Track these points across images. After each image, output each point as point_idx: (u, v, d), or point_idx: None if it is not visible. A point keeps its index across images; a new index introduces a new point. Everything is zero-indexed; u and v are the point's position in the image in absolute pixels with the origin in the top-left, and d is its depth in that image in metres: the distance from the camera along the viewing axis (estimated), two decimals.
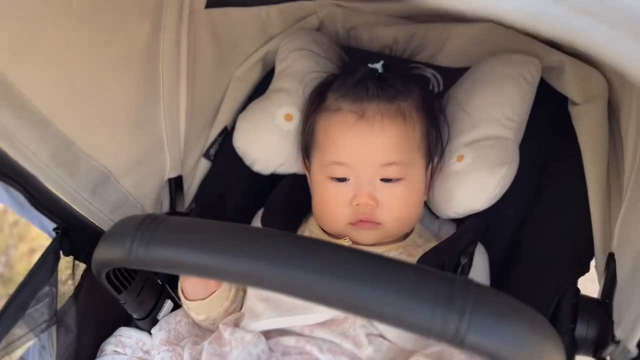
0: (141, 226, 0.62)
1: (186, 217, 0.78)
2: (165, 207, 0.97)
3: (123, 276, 0.75)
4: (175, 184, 0.96)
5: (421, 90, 0.89)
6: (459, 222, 0.92)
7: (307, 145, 0.91)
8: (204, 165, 1.03)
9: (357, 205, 0.82)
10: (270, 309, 0.77)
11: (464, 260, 0.82)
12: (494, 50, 0.96)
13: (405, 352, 0.73)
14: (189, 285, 0.81)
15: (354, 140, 0.82)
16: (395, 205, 0.83)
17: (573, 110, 0.90)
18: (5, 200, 0.68)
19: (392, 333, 0.74)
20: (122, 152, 0.82)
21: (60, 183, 0.72)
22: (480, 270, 0.87)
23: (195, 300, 0.81)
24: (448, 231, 0.93)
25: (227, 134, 1.05)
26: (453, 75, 0.99)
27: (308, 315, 0.74)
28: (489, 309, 0.51)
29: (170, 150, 0.93)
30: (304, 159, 0.94)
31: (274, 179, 1.00)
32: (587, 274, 0.79)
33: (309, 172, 0.91)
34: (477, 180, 0.86)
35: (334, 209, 0.84)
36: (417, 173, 0.85)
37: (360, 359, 0.71)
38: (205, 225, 0.65)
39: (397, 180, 0.83)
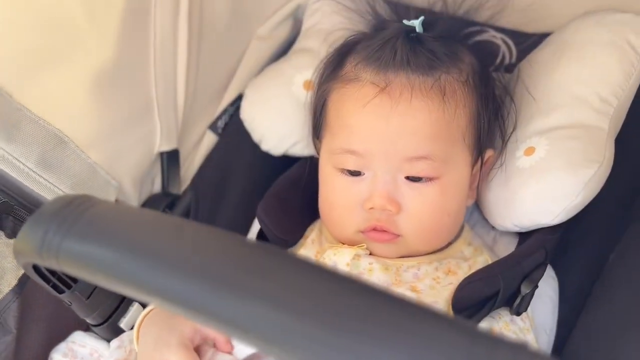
0: (66, 209, 0.45)
1: (129, 206, 0.61)
2: (157, 186, 0.80)
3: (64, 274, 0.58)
4: (169, 160, 0.79)
5: (477, 59, 0.66)
6: (522, 236, 0.69)
7: (317, 123, 0.70)
8: (211, 139, 0.85)
9: (370, 208, 0.61)
10: None
11: (525, 290, 0.59)
12: (588, 10, 0.71)
13: None
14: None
15: (371, 122, 0.61)
16: (424, 214, 0.61)
17: None
18: None
19: None
20: (88, 114, 0.65)
21: None
22: (545, 302, 0.65)
23: None
24: (506, 246, 0.70)
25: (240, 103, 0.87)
26: (528, 43, 0.75)
27: None
28: None
29: (162, 117, 0.76)
30: (314, 139, 0.74)
31: (289, 163, 0.80)
32: None
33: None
34: (551, 183, 0.62)
35: (342, 211, 0.64)
36: (458, 172, 0.63)
37: None
38: (150, 220, 0.47)
39: (429, 179, 0.61)
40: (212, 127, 0.85)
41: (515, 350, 0.31)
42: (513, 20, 0.77)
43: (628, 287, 0.61)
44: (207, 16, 0.78)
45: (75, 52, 0.63)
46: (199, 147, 0.85)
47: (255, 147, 0.81)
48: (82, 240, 0.43)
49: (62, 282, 0.58)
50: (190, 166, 0.84)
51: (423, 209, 0.61)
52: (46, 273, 0.55)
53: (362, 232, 0.63)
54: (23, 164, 0.60)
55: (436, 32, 0.65)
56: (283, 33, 0.91)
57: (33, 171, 0.61)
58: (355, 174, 0.63)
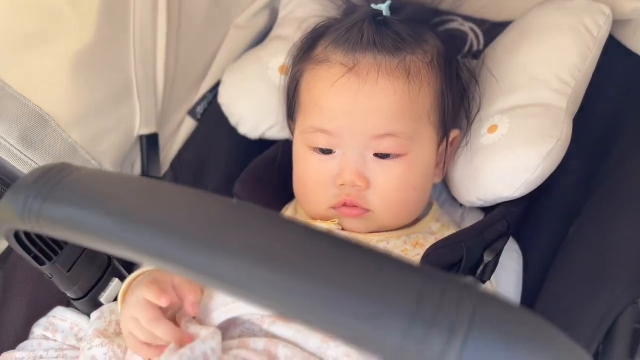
0: (45, 176, 0.47)
1: (109, 172, 0.63)
2: (137, 169, 0.82)
3: (48, 242, 0.60)
4: (148, 143, 0.81)
5: (443, 43, 0.70)
6: (487, 211, 0.72)
7: (290, 105, 0.73)
8: (189, 124, 0.88)
9: (341, 185, 0.64)
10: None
11: (487, 258, 0.62)
12: None
13: None
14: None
15: (340, 100, 0.64)
16: (391, 189, 0.65)
17: None
18: None
19: None
20: (70, 94, 0.68)
21: None
22: (509, 274, 0.68)
23: None
24: (474, 222, 0.73)
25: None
26: (496, 31, 0.79)
27: None
28: (493, 328, 0.32)
29: (141, 100, 0.78)
30: (287, 121, 0.76)
31: (265, 146, 0.83)
32: None
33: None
34: (512, 158, 0.65)
35: (313, 188, 0.67)
36: (424, 148, 0.67)
37: None
38: (130, 181, 0.49)
39: (397, 156, 0.65)
40: (191, 112, 0.88)
41: (465, 284, 0.34)
42: (479, 8, 0.81)
43: (584, 258, 0.64)
44: (185, 5, 0.80)
45: (57, 34, 0.65)
46: (178, 132, 0.87)
47: (232, 131, 0.84)
48: (61, 202, 0.45)
49: (43, 253, 0.59)
50: (169, 150, 0.86)
51: (391, 184, 0.64)
52: (27, 243, 0.57)
53: (334, 207, 0.66)
54: (5, 140, 0.62)
55: (402, 16, 0.68)
56: (260, 22, 0.93)
57: (14, 147, 0.63)
58: (326, 152, 0.66)
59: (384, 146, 0.64)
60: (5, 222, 0.51)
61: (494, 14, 0.80)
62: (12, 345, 0.66)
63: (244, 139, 0.84)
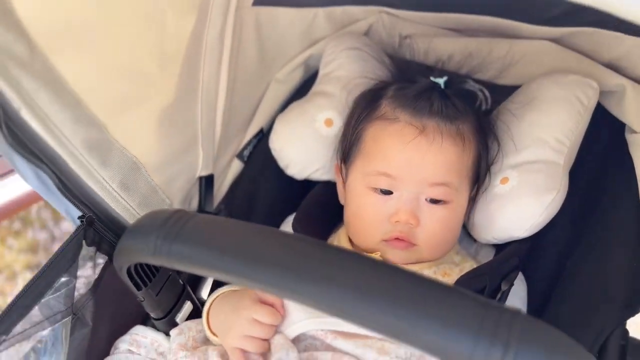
0: (169, 221, 0.59)
1: (216, 216, 0.75)
2: (194, 205, 0.94)
3: (144, 273, 0.72)
4: (206, 183, 0.93)
5: (476, 111, 0.85)
6: (497, 247, 0.87)
7: (348, 150, 0.86)
8: (237, 166, 1.01)
9: (396, 222, 0.77)
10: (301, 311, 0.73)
11: (505, 287, 0.77)
12: (547, 70, 0.91)
13: None
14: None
15: (410, 154, 0.77)
16: (437, 229, 0.78)
17: (630, 138, 0.84)
18: (33, 183, 0.66)
19: None
20: (156, 144, 0.80)
21: (90, 170, 0.70)
22: (517, 300, 0.82)
23: None
24: (486, 255, 0.88)
25: (262, 136, 1.03)
26: (500, 92, 0.95)
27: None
28: (537, 343, 0.46)
29: (204, 147, 0.90)
30: (340, 164, 0.90)
31: (305, 185, 0.97)
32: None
33: (344, 180, 0.87)
34: (521, 206, 0.81)
35: (370, 223, 0.80)
36: (462, 198, 0.81)
37: None
38: (236, 226, 0.62)
39: (445, 203, 0.78)
40: (239, 155, 1.01)
41: (514, 311, 0.48)
42: (490, 74, 0.96)
43: (582, 286, 0.79)
44: (240, 64, 0.94)
45: (147, 95, 0.77)
46: (227, 172, 1.00)
47: (279, 172, 0.97)
48: (187, 243, 0.57)
49: (143, 281, 0.72)
50: (219, 189, 0.99)
51: (437, 225, 0.78)
52: (134, 274, 0.69)
53: (386, 240, 0.79)
54: (109, 185, 0.73)
55: (453, 88, 0.82)
56: (296, 77, 1.07)
57: (115, 191, 0.75)
58: (386, 192, 0.79)
59: (436, 193, 0.77)
60: (132, 257, 0.63)
61: (501, 80, 0.96)
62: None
63: (287, 179, 0.97)
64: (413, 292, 0.49)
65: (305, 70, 1.08)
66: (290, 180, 0.97)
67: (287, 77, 1.05)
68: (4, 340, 0.66)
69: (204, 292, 0.89)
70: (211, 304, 0.77)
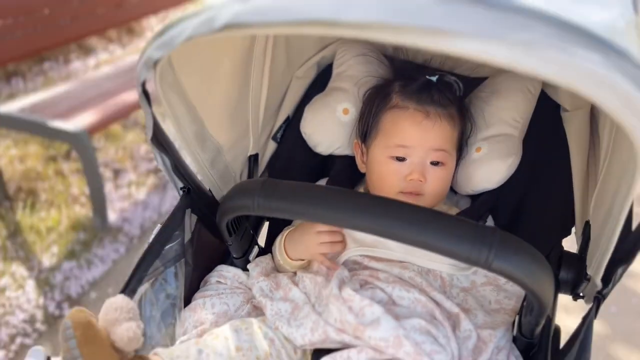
0: (264, 185, 0.88)
1: (293, 181, 1.05)
2: (244, 177, 1.24)
3: (233, 226, 1.02)
4: (254, 160, 1.23)
5: (458, 99, 1.16)
6: (472, 197, 1.20)
7: (367, 132, 1.16)
8: (272, 145, 1.30)
9: (410, 180, 1.07)
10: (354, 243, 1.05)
11: (481, 222, 1.10)
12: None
13: (445, 278, 1.03)
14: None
15: (420, 131, 1.07)
16: (438, 184, 1.09)
17: (564, 115, 1.18)
18: (159, 163, 0.94)
19: (434, 266, 1.03)
20: (228, 133, 1.09)
21: (195, 155, 0.99)
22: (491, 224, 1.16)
23: (296, 260, 1.08)
24: (465, 203, 1.21)
25: (289, 121, 1.32)
26: (470, 83, 1.26)
27: (385, 250, 1.04)
28: (509, 246, 0.78)
29: (252, 133, 1.19)
30: (360, 143, 1.20)
31: (328, 159, 1.28)
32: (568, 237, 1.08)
33: (365, 154, 1.18)
34: (491, 167, 1.14)
35: (391, 182, 1.09)
36: (452, 162, 1.12)
37: (411, 285, 0.98)
38: (308, 186, 0.92)
39: (442, 164, 1.09)
40: (274, 137, 1.30)
41: (494, 228, 0.80)
42: (464, 69, 1.28)
43: (532, 218, 1.14)
44: (273, 68, 1.22)
45: (225, 101, 1.05)
46: (265, 151, 1.29)
47: (306, 149, 1.27)
48: (281, 199, 0.87)
49: (232, 231, 1.01)
50: (260, 163, 1.28)
51: (437, 181, 1.08)
52: (228, 225, 0.99)
53: (402, 192, 1.08)
54: (204, 164, 1.02)
55: (441, 82, 1.12)
56: (311, 74, 1.35)
57: (207, 168, 1.03)
58: (401, 159, 1.08)
59: (438, 156, 1.07)
60: (240, 211, 0.92)
61: (473, 74, 1.28)
62: (196, 290, 1.08)
63: (314, 155, 1.27)
64: (435, 218, 0.81)
65: (318, 67, 1.36)
66: (315, 154, 1.27)
67: (305, 74, 1.33)
68: (145, 276, 0.94)
69: (261, 241, 1.20)
70: (283, 239, 1.08)
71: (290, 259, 1.07)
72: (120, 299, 0.80)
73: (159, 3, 3.51)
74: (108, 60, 4.40)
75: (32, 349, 0.77)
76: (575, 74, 0.52)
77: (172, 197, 2.93)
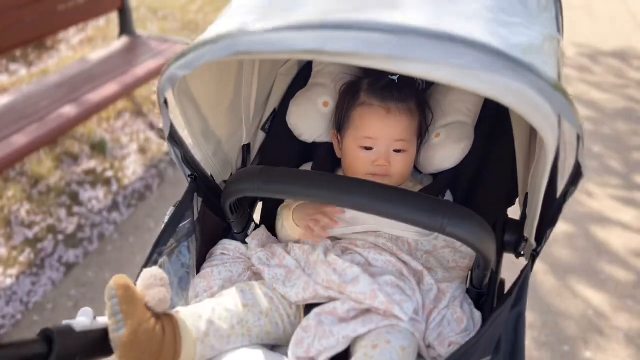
0: (262, 171, 1.08)
1: (286, 168, 1.24)
2: (239, 165, 1.42)
3: (235, 206, 1.21)
4: (247, 149, 1.42)
5: (417, 93, 1.36)
6: (434, 175, 1.42)
7: (341, 124, 1.36)
8: (261, 135, 1.49)
9: (377, 165, 1.28)
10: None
11: (441, 197, 1.32)
12: None
13: (411, 243, 1.24)
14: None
15: (383, 124, 1.27)
16: (401, 166, 1.30)
17: None
18: (173, 156, 1.13)
19: (402, 234, 1.24)
20: (225, 127, 1.28)
21: (201, 147, 1.17)
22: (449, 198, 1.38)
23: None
24: (427, 181, 1.43)
25: (276, 113, 1.50)
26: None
27: (359, 226, 1.24)
28: (459, 215, 0.99)
29: (245, 126, 1.38)
30: (336, 133, 1.39)
31: (311, 146, 1.47)
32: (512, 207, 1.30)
33: (341, 142, 1.37)
34: (448, 150, 1.35)
35: (362, 166, 1.29)
36: (413, 148, 1.33)
37: (383, 249, 1.20)
38: (299, 172, 1.12)
39: (404, 151, 1.30)
40: (262, 128, 1.48)
41: (448, 202, 1.01)
42: None
43: (482, 191, 1.37)
44: (262, 68, 1.40)
45: (223, 100, 1.24)
46: (255, 141, 1.47)
47: (292, 137, 1.46)
48: (278, 182, 1.07)
49: (234, 210, 1.21)
50: (252, 152, 1.47)
51: (400, 165, 1.29)
52: (231, 206, 1.18)
53: (371, 174, 1.28)
54: (208, 154, 1.21)
55: (401, 80, 1.31)
56: (293, 71, 1.53)
57: (210, 158, 1.22)
58: (369, 148, 1.29)
59: (399, 145, 1.28)
60: (242, 193, 1.11)
61: None
62: (203, 261, 1.27)
63: (299, 143, 1.47)
64: (401, 195, 1.01)
65: (299, 65, 1.55)
66: (300, 142, 1.47)
67: (288, 71, 1.52)
68: (163, 250, 1.13)
69: (257, 218, 1.40)
70: (292, 211, 1.27)
71: (297, 225, 1.26)
72: (155, 270, 0.99)
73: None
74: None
75: (82, 310, 0.96)
76: (497, 88, 0.70)
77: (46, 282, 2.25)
